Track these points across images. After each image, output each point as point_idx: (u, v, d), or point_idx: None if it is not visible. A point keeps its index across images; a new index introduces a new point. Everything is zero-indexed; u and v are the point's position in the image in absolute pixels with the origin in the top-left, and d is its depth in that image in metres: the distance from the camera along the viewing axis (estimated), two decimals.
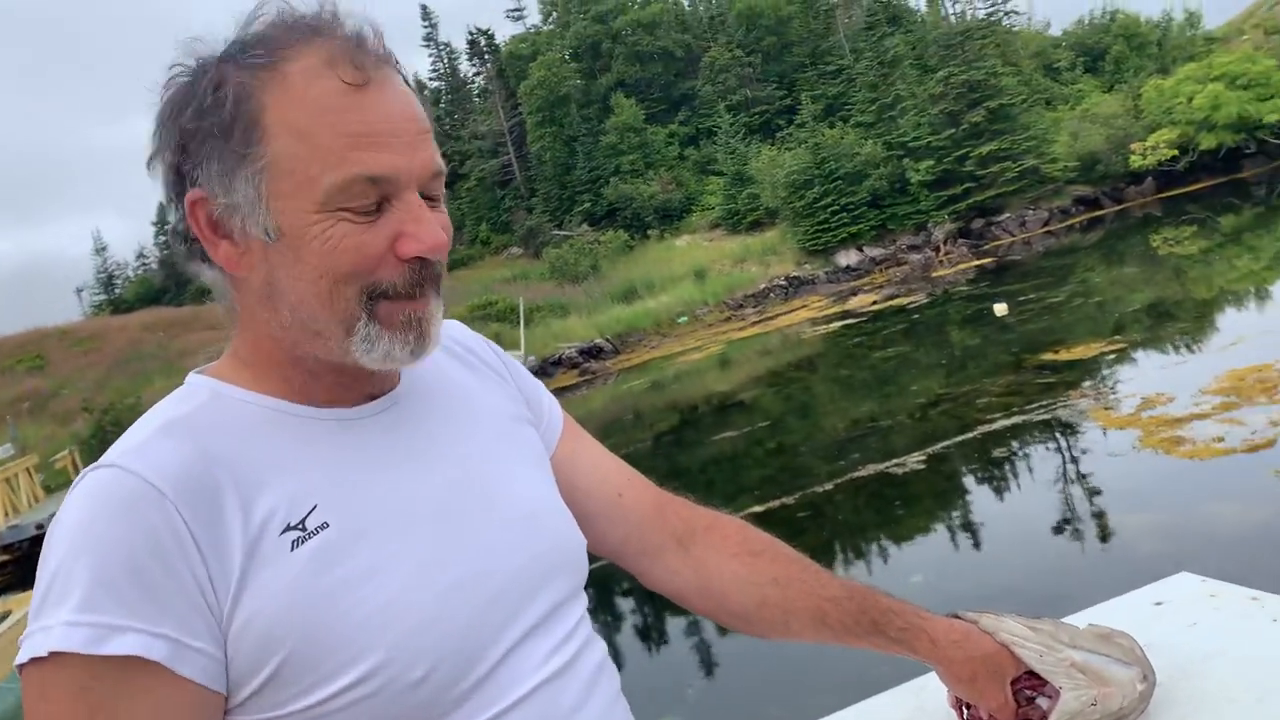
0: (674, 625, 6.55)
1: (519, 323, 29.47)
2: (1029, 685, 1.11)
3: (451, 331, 1.09)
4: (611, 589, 7.37)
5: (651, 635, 6.47)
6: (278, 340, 0.89)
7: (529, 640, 0.90)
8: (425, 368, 0.99)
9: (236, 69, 0.83)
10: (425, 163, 0.86)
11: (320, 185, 0.82)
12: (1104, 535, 5.66)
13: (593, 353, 28.52)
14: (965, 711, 1.14)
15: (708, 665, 5.58)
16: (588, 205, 45.27)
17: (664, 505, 1.15)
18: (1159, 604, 1.37)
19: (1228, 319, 11.13)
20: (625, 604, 7.17)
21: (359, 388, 0.93)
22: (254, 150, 0.82)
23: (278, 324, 0.87)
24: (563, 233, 42.58)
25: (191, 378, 0.94)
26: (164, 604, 0.77)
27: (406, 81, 0.89)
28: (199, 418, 0.87)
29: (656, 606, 7.02)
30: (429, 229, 0.85)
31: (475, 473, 0.95)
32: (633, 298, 32.93)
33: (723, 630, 6.16)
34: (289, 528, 0.83)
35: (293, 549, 0.82)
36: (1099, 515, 5.96)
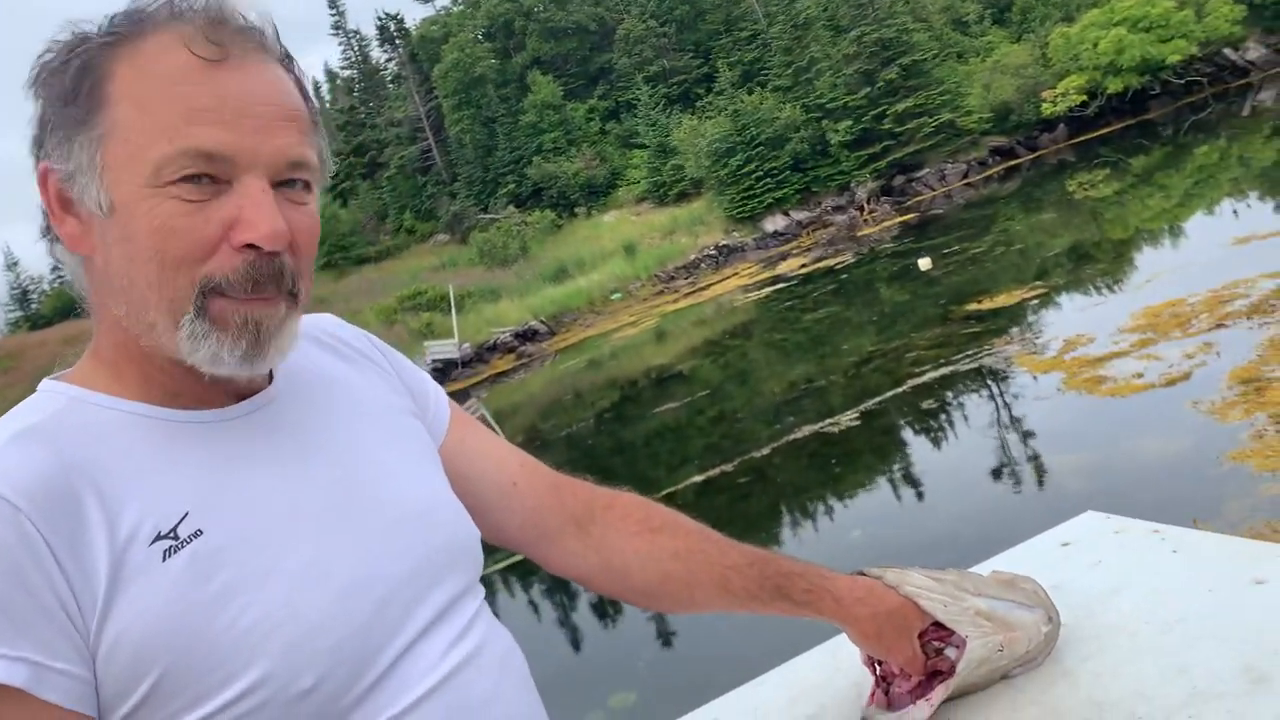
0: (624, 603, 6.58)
1: (450, 310, 29.18)
2: (936, 637, 1.12)
3: (326, 326, 1.05)
4: None
5: (607, 612, 6.48)
6: (128, 333, 0.83)
7: (425, 639, 0.87)
8: (301, 364, 0.95)
9: (96, 42, 0.80)
10: (279, 149, 0.81)
11: (150, 156, 0.77)
12: (1034, 477, 5.81)
13: (528, 335, 28.37)
14: (877, 668, 1.15)
15: (658, 637, 5.62)
16: (512, 186, 44.88)
17: (560, 488, 1.13)
18: (1066, 544, 1.40)
19: (1143, 257, 11.44)
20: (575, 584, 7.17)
21: (226, 387, 0.88)
22: (94, 117, 0.79)
23: (121, 315, 0.82)
24: (489, 216, 42.18)
25: (45, 384, 0.87)
26: (21, 624, 0.72)
27: (298, 76, 0.86)
28: (54, 425, 0.81)
29: None
30: (265, 215, 0.79)
31: (360, 470, 0.91)
32: (564, 277, 32.80)
33: None
34: (159, 537, 0.78)
35: (164, 559, 0.77)
36: (1029, 458, 6.11)
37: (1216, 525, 3.95)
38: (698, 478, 8.24)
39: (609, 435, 13.11)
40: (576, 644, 6.00)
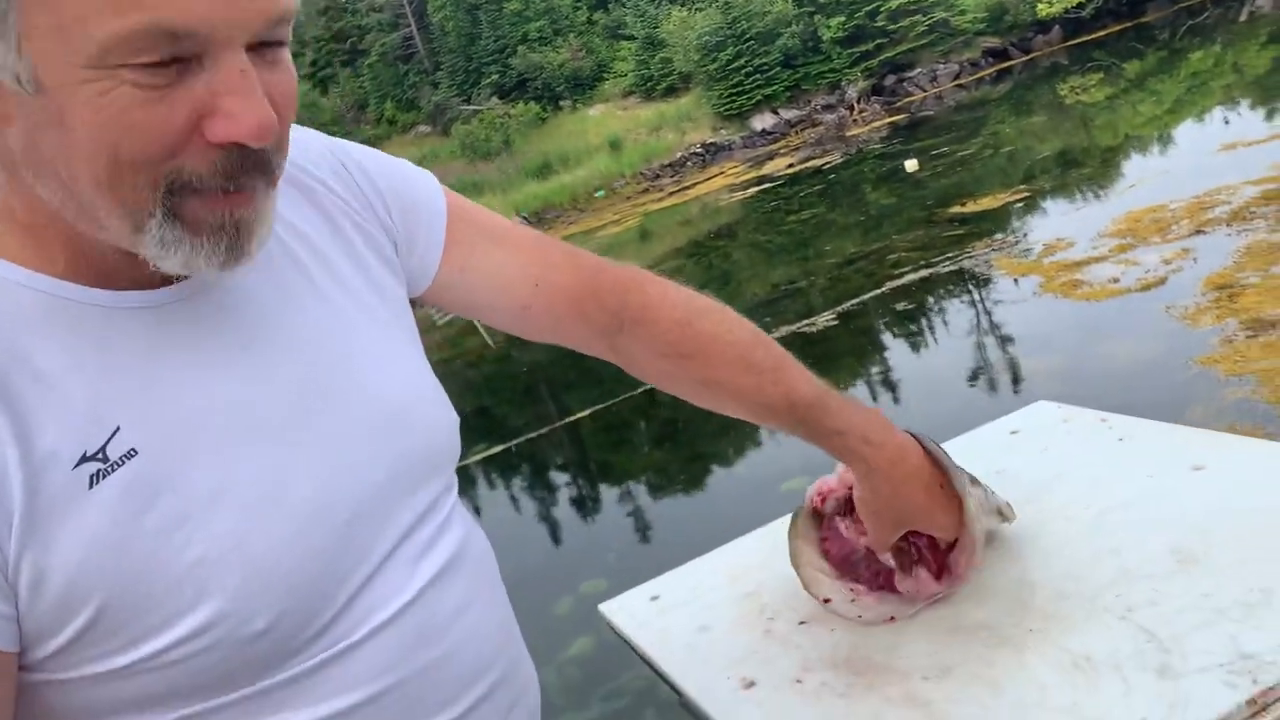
0: (602, 496, 6.67)
1: None
2: (918, 547, 1.07)
3: (292, 154, 0.82)
4: (541, 462, 7.45)
5: (583, 505, 6.57)
6: (52, 210, 0.67)
7: (393, 558, 0.78)
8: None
9: None
10: (261, 9, 0.62)
11: (91, 33, 0.58)
12: (1006, 377, 5.86)
13: None
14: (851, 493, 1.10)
15: (634, 531, 5.72)
16: (496, 77, 43.79)
17: (584, 301, 1.00)
18: (1015, 432, 1.40)
19: (1129, 163, 11.34)
20: (557, 479, 7.25)
21: None
22: None
23: (48, 197, 0.66)
24: (471, 107, 41.28)
25: None
26: None
27: None
28: None
29: (585, 478, 7.12)
30: (252, 105, 0.62)
31: (327, 362, 0.78)
32: (548, 173, 32.34)
33: (653, 496, 6.30)
34: (85, 458, 0.66)
35: (91, 485, 0.65)
36: (1002, 359, 6.15)
37: None
38: None
39: None
40: (555, 537, 6.09)
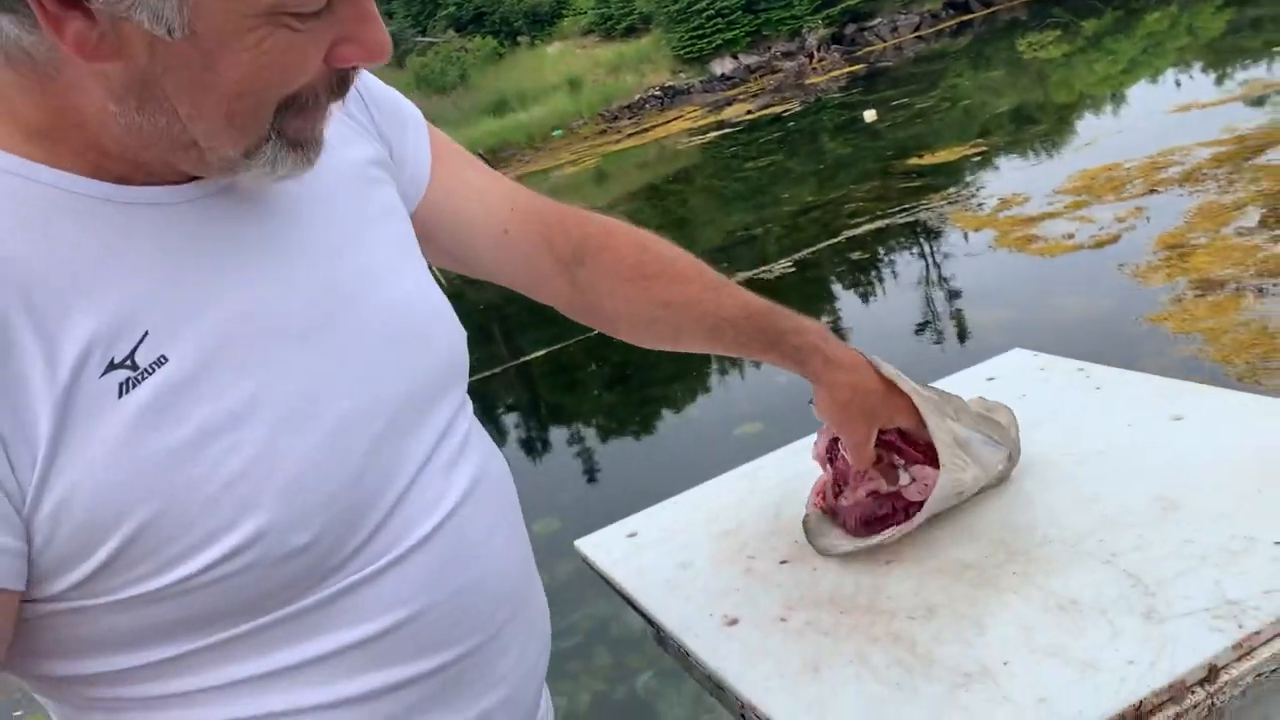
0: (554, 437, 6.67)
1: None
2: (898, 449, 1.09)
3: None
4: (492, 402, 7.41)
5: (535, 447, 6.56)
6: (108, 128, 0.63)
7: (423, 473, 0.76)
8: None
9: None
10: None
11: None
12: (958, 329, 5.93)
13: None
14: (830, 467, 1.13)
15: (584, 473, 5.72)
16: (453, 9, 42.77)
17: (552, 229, 1.02)
18: (991, 379, 1.41)
19: (1084, 121, 11.43)
20: (509, 419, 7.23)
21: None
22: None
23: (131, 123, 0.62)
24: (427, 39, 40.34)
25: None
26: None
27: None
28: None
29: (536, 419, 7.11)
30: (378, 32, 0.66)
31: (344, 271, 0.75)
32: (504, 110, 31.80)
33: (603, 439, 6.31)
34: (113, 365, 0.61)
35: (121, 394, 0.61)
36: (955, 311, 6.22)
37: None
38: None
39: None
40: None
